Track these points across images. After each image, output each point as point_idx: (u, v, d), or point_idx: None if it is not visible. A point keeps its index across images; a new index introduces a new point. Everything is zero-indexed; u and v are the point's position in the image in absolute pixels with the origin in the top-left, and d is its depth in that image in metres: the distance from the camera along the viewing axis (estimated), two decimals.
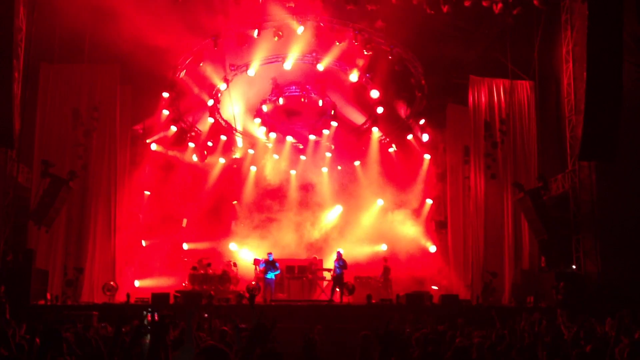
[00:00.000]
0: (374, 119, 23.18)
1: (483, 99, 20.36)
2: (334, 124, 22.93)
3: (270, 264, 19.17)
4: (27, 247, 17.33)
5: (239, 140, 23.88)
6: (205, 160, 23.13)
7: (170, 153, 22.77)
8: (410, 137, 23.05)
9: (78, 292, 18.19)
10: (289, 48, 20.61)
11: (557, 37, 19.32)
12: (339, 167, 24.06)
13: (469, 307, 17.54)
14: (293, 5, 18.65)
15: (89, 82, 19.26)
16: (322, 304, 18.21)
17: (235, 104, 22.77)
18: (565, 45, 18.82)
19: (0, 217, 16.29)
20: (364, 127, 23.91)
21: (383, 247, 22.33)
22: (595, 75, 15.50)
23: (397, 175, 23.22)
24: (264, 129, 23.29)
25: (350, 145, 24.09)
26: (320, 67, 21.07)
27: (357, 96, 22.80)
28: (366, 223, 22.97)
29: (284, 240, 22.13)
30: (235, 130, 23.64)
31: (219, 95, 22.29)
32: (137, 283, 20.55)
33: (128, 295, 17.05)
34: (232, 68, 21.26)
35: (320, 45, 20.57)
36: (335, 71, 22.14)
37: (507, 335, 8.31)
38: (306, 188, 23.77)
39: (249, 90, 22.50)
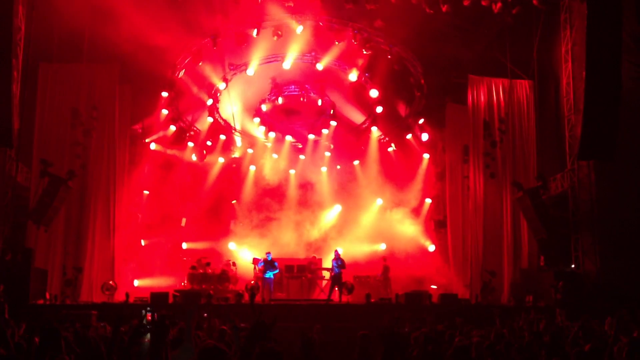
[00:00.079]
0: (373, 119, 23.19)
1: (482, 98, 20.37)
2: (333, 123, 22.93)
3: (268, 264, 19.16)
4: (26, 246, 17.32)
5: (238, 139, 23.89)
6: (205, 160, 23.15)
7: (169, 152, 22.76)
8: (409, 136, 23.05)
9: (77, 291, 18.18)
10: (288, 47, 20.60)
11: (556, 37, 19.32)
12: (338, 167, 24.07)
13: (468, 306, 17.56)
14: (292, 4, 18.64)
15: (88, 81, 19.24)
16: (321, 303, 18.22)
17: (234, 103, 22.78)
18: (564, 44, 18.82)
19: None
20: (363, 126, 23.92)
21: (382, 247, 22.34)
22: (594, 75, 15.50)
23: (396, 175, 23.24)
24: (263, 128, 23.30)
25: (349, 144, 24.11)
26: (320, 66, 21.06)
27: (357, 95, 22.80)
28: (365, 222, 22.98)
29: (283, 240, 22.14)
30: (235, 129, 23.65)
31: (218, 94, 22.28)
32: (136, 282, 20.54)
33: (127, 295, 17.04)
34: (231, 67, 21.27)
35: (320, 44, 20.58)
36: (335, 70, 22.14)
37: (506, 334, 8.32)
38: (305, 187, 23.78)
39: (248, 90, 22.50)
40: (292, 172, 23.90)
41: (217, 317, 11.84)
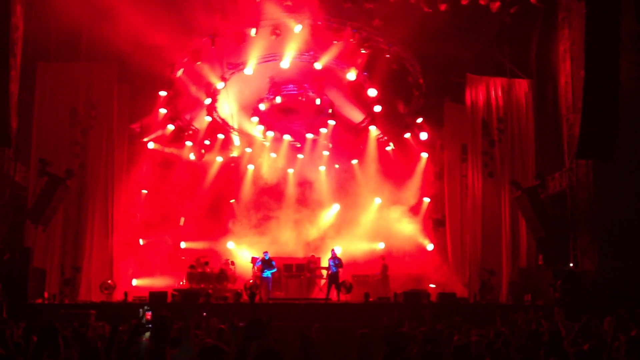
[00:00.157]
0: (371, 118, 23.17)
1: (481, 97, 20.38)
2: (332, 122, 22.90)
3: (266, 263, 19.16)
4: (25, 245, 17.32)
5: (236, 138, 23.86)
6: (203, 159, 23.13)
7: (167, 150, 22.70)
8: (408, 135, 23.05)
9: (75, 290, 18.19)
10: (287, 46, 20.58)
11: (554, 36, 19.33)
12: (337, 166, 24.04)
13: (467, 305, 17.57)
14: (290, 3, 18.62)
15: (86, 80, 19.22)
16: (320, 302, 18.23)
17: (232, 102, 22.74)
18: (562, 43, 18.84)
19: None
20: (362, 125, 23.90)
21: (381, 246, 22.34)
22: (592, 74, 15.49)
23: (395, 174, 23.20)
24: (261, 127, 23.27)
25: (347, 143, 24.07)
26: (318, 65, 21.05)
27: (355, 94, 22.78)
28: (364, 221, 22.95)
29: (281, 239, 22.10)
30: (233, 128, 23.62)
31: (217, 93, 22.25)
32: (134, 282, 20.51)
33: (126, 294, 17.05)
34: (230, 66, 21.22)
35: (318, 43, 20.54)
36: (333, 69, 22.11)
37: (504, 333, 8.32)
38: (304, 186, 23.76)
39: (246, 89, 22.45)
40: (290, 171, 23.88)
41: (215, 316, 11.85)
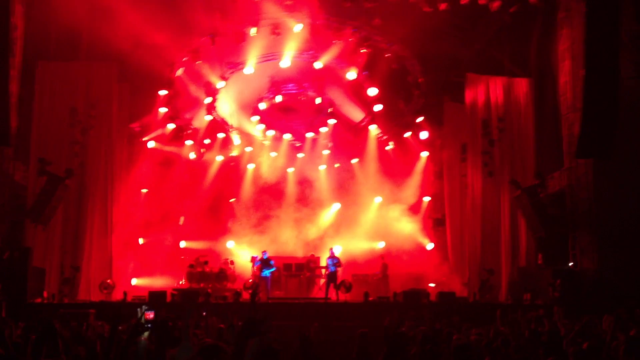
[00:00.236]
0: (371, 117, 23.17)
1: (480, 96, 20.36)
2: (332, 121, 22.90)
3: (264, 262, 19.17)
4: (24, 245, 17.34)
5: (236, 138, 23.85)
6: (203, 158, 23.12)
7: (167, 148, 22.67)
8: (408, 134, 23.05)
9: (75, 290, 18.20)
10: (287, 46, 20.57)
11: (554, 35, 19.31)
12: (337, 165, 24.03)
13: (466, 304, 17.57)
14: (290, 2, 18.62)
15: (86, 79, 19.22)
16: (319, 302, 18.23)
17: (232, 101, 22.73)
18: (562, 42, 18.82)
19: None
20: (362, 124, 23.90)
21: (380, 245, 22.33)
22: (592, 73, 15.49)
23: (395, 173, 23.20)
24: (261, 126, 23.27)
25: (348, 142, 24.07)
26: (318, 64, 21.04)
27: (355, 94, 22.77)
28: (364, 220, 22.96)
29: (281, 238, 22.10)
30: (232, 127, 23.61)
31: (216, 93, 22.23)
32: (134, 281, 20.52)
33: (125, 294, 17.05)
34: (229, 66, 21.22)
35: (318, 43, 20.53)
36: (333, 69, 22.10)
37: (504, 333, 8.32)
38: (304, 186, 23.75)
39: (246, 88, 22.44)
40: (290, 170, 23.87)
41: (215, 315, 11.86)
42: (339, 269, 19.14)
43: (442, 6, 17.39)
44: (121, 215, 19.85)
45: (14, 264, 15.76)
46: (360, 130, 23.98)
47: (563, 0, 18.63)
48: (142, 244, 21.58)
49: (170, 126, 22.05)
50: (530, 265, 19.28)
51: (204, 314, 11.71)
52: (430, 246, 22.39)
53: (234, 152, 24.02)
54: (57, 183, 17.16)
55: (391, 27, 19.24)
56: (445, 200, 22.08)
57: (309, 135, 23.81)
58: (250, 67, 20.59)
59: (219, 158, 23.52)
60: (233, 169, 24.10)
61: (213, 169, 23.48)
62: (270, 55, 21.12)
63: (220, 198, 23.46)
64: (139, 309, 6.02)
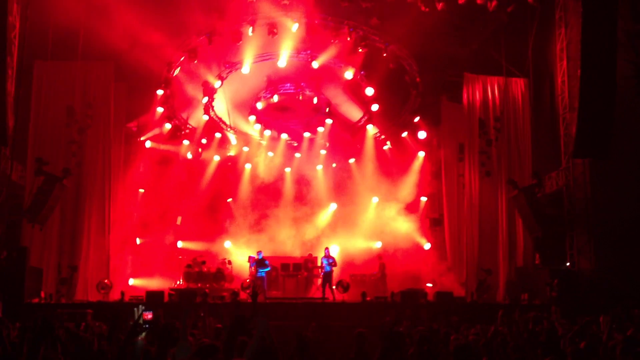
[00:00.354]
0: (369, 116, 23.17)
1: (477, 96, 20.40)
2: (329, 121, 22.90)
3: (259, 262, 19.16)
4: (21, 245, 17.30)
5: (233, 137, 23.84)
6: (200, 158, 23.10)
7: (164, 147, 22.63)
8: (405, 134, 23.07)
9: (72, 290, 18.16)
10: (284, 45, 20.55)
11: (551, 35, 19.36)
12: (334, 165, 24.03)
13: (464, 304, 17.58)
14: (287, 2, 18.61)
15: (83, 79, 19.20)
16: (317, 302, 18.23)
17: (229, 101, 22.71)
18: (559, 42, 18.86)
19: None
20: (359, 124, 23.90)
21: (378, 244, 22.34)
22: (589, 73, 15.53)
23: (392, 172, 23.20)
24: (258, 126, 23.25)
25: (345, 142, 24.07)
26: (315, 64, 21.04)
27: (352, 93, 22.78)
28: (361, 220, 22.96)
29: (279, 238, 22.10)
30: (229, 127, 23.59)
31: (213, 92, 22.21)
32: (131, 281, 20.49)
33: (122, 294, 17.01)
34: (226, 65, 21.20)
35: (315, 42, 20.52)
36: (330, 68, 22.09)
37: (502, 333, 8.32)
38: (301, 185, 23.74)
39: (243, 88, 22.42)
40: (287, 170, 23.86)
41: (212, 315, 11.84)
42: (334, 269, 19.12)
43: (440, 6, 17.39)
44: (118, 215, 19.82)
45: (11, 264, 15.72)
46: (357, 130, 23.98)
47: (560, 0, 18.66)
48: (139, 244, 21.56)
49: (167, 126, 22.03)
50: (527, 265, 19.31)
51: (202, 314, 11.69)
52: (427, 246, 22.39)
53: (231, 152, 24.01)
54: (54, 183, 17.13)
55: (388, 26, 19.24)
56: (442, 200, 22.06)
57: (306, 134, 23.80)
58: (247, 66, 20.58)
59: (217, 158, 23.50)
60: (230, 168, 24.07)
61: (210, 169, 23.46)
62: (267, 55, 21.11)
63: (218, 198, 23.43)
64: (135, 309, 6.00)
